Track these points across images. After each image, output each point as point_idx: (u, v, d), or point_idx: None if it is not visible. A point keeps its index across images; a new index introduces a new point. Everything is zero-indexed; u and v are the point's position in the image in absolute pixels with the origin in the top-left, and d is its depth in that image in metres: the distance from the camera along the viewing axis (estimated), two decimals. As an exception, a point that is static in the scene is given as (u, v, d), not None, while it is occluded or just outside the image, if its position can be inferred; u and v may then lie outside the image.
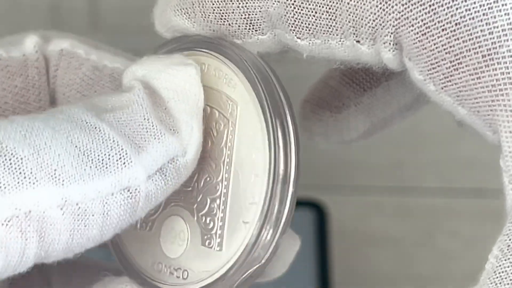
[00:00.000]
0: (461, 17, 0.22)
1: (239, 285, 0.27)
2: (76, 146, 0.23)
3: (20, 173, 0.22)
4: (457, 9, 0.22)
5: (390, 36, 0.24)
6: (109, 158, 0.23)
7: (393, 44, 0.24)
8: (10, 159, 0.22)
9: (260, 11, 0.26)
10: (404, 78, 0.25)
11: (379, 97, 0.32)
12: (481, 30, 0.22)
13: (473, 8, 0.22)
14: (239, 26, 0.27)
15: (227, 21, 0.27)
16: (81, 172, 0.23)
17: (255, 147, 0.27)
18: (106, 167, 0.23)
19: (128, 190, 0.23)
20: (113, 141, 0.23)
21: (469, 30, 0.22)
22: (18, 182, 0.22)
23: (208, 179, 0.27)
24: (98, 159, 0.23)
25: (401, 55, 0.25)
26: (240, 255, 0.27)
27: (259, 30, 0.27)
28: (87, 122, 0.23)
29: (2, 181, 0.22)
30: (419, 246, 0.47)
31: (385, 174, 0.46)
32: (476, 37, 0.22)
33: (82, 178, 0.23)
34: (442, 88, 0.24)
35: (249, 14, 0.26)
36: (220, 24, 0.27)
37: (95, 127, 0.23)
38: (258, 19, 0.26)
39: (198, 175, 0.27)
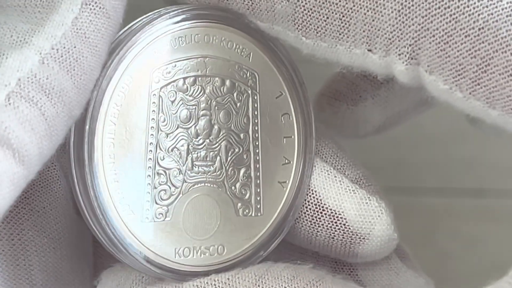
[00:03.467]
0: (484, 22, 0.23)
1: (275, 245, 0.28)
2: None
3: None
4: (479, 15, 0.23)
5: (408, 48, 0.24)
6: None
7: (409, 57, 0.24)
8: None
9: (265, 3, 0.26)
10: None
11: (396, 90, 0.32)
12: (507, 30, 0.23)
13: (496, 12, 0.23)
14: (239, 8, 0.26)
15: (228, 0, 0.27)
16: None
17: (282, 111, 0.28)
18: None
19: None
20: None
21: (494, 32, 0.23)
22: None
23: (234, 150, 0.28)
24: None
25: (414, 70, 0.25)
26: (281, 215, 0.28)
27: (259, 18, 0.26)
28: None
29: None
30: (419, 246, 0.47)
31: (385, 174, 0.46)
32: (502, 38, 0.23)
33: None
34: (471, 93, 0.24)
35: (252, 3, 0.26)
36: (220, 2, 0.27)
37: None
38: (261, 10, 0.26)
39: (222, 149, 0.27)
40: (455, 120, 0.45)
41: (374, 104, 0.32)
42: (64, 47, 0.23)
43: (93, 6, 0.24)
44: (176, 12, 0.27)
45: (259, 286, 0.25)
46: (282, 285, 0.25)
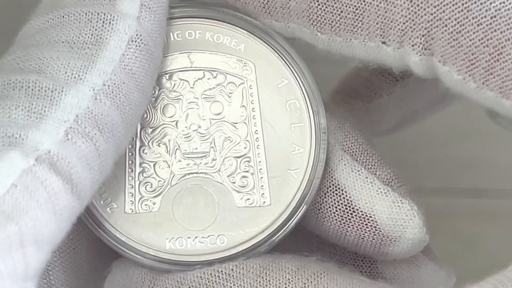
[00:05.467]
0: (496, 10, 0.23)
1: (287, 234, 0.28)
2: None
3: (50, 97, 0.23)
4: (491, 3, 0.23)
5: (421, 39, 0.24)
6: None
7: (422, 47, 0.24)
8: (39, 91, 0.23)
9: (280, 0, 0.26)
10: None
11: (412, 88, 0.32)
12: None
13: (508, 0, 0.23)
14: (254, 7, 0.27)
15: (244, 0, 0.27)
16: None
17: (287, 98, 0.28)
18: None
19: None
20: None
21: (507, 20, 0.23)
22: (50, 101, 0.23)
23: (231, 140, 0.28)
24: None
25: (428, 60, 0.25)
26: (294, 203, 0.28)
27: (274, 16, 0.27)
28: None
29: (39, 108, 0.23)
30: (419, 246, 0.47)
31: (385, 174, 0.46)
32: None
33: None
34: (484, 83, 0.24)
35: (267, 1, 0.26)
36: (236, 2, 0.27)
37: None
38: (276, 8, 0.26)
39: (215, 140, 0.28)
40: (455, 120, 0.45)
41: (389, 101, 0.32)
42: (115, 83, 0.24)
43: (138, 43, 0.24)
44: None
45: (263, 277, 0.25)
46: (286, 277, 0.25)
